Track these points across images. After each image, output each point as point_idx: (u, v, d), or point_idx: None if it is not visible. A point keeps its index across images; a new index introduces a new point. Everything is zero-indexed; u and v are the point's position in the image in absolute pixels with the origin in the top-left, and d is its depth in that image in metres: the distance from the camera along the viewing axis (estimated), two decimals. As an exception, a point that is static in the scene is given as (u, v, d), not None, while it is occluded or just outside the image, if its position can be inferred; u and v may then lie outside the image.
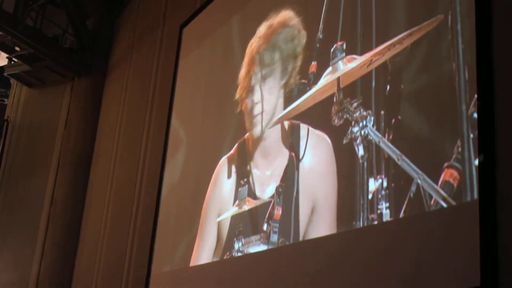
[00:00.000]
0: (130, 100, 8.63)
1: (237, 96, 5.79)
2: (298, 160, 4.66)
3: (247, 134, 5.47)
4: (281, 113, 5.05)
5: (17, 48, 9.29)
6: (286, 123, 4.96)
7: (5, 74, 9.70)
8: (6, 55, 9.53)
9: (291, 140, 4.83)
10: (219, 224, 5.48)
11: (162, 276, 6.42)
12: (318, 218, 4.40)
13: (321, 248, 4.24)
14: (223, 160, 5.75)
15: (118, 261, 7.61)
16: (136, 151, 7.96)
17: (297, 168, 4.63)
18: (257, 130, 5.35)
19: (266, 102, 5.31)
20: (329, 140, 4.47)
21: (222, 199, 5.59)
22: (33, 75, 9.69)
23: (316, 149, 4.58)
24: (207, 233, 5.69)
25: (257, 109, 5.41)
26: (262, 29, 5.66)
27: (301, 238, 4.45)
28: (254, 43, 5.75)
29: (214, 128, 6.08)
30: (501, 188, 3.19)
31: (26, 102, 10.04)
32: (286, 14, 5.36)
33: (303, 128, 4.74)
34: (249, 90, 5.61)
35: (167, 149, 6.99)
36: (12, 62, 9.63)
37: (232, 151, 5.63)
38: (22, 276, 8.77)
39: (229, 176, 5.55)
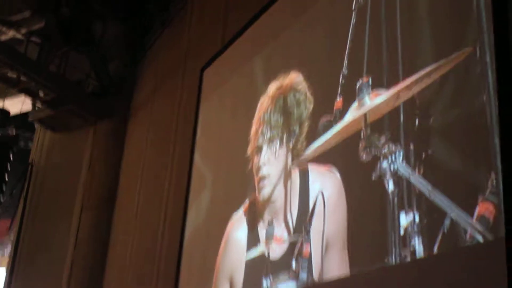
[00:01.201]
0: (152, 142, 8.57)
1: (248, 152, 5.72)
2: (323, 197, 4.52)
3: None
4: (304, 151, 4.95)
5: (40, 94, 9.27)
6: (308, 163, 4.85)
7: (29, 119, 9.69)
8: (31, 100, 9.51)
9: (315, 178, 4.70)
10: (247, 265, 5.32)
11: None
12: (330, 256, 4.29)
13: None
14: (234, 218, 5.71)
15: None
16: (159, 193, 7.87)
17: (324, 205, 4.49)
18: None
19: (273, 165, 5.23)
20: (337, 174, 4.38)
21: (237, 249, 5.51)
22: (57, 120, 9.67)
23: (327, 183, 4.50)
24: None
25: (262, 171, 5.33)
26: (271, 88, 5.62)
27: (325, 276, 4.31)
28: (264, 102, 5.69)
29: (238, 168, 5.96)
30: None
31: (50, 146, 10.01)
32: (295, 76, 5.31)
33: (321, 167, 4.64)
34: (258, 149, 5.54)
35: (189, 191, 6.88)
36: (37, 107, 9.61)
37: (256, 191, 5.52)
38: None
39: (250, 220, 5.47)
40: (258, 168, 5.48)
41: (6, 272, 9.54)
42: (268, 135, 5.41)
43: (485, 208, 3.29)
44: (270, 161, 5.31)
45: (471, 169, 3.44)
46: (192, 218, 6.68)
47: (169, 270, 7.02)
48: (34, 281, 9.04)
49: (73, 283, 8.65)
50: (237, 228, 5.65)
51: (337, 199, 4.38)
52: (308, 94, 5.04)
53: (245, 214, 5.58)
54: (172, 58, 8.72)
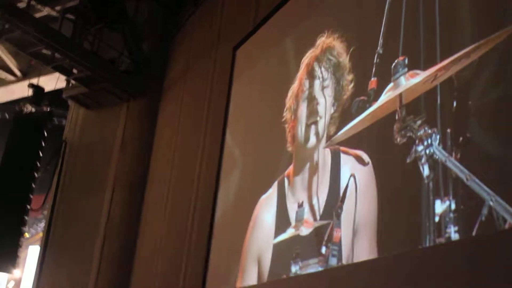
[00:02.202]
0: (184, 121, 8.44)
1: (286, 116, 5.51)
2: (358, 180, 4.32)
3: (296, 158, 5.17)
4: (336, 132, 4.73)
5: (74, 71, 9.19)
6: (340, 147, 4.64)
7: (63, 96, 9.63)
8: (65, 78, 9.44)
9: (347, 161, 4.50)
10: (274, 247, 5.16)
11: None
12: (360, 241, 4.11)
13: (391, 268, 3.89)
14: (263, 199, 5.52)
15: (173, 282, 7.38)
16: (191, 171, 7.75)
17: (356, 189, 4.29)
18: (309, 150, 5.04)
19: (319, 119, 5.00)
20: (368, 158, 4.19)
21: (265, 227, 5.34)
22: (90, 97, 9.59)
23: (358, 167, 4.30)
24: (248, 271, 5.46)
25: (309, 129, 5.11)
26: (313, 49, 5.37)
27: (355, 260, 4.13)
28: (304, 62, 5.46)
29: (268, 149, 5.79)
30: None
31: (83, 123, 9.94)
32: (332, 36, 5.07)
33: (352, 150, 4.44)
34: (300, 108, 5.32)
35: (221, 169, 6.74)
36: (70, 85, 9.54)
37: (285, 172, 5.33)
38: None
39: (279, 201, 5.27)
40: (292, 143, 5.30)
41: (40, 247, 9.53)
42: (312, 91, 5.19)
43: (526, 195, 3.08)
44: (304, 138, 5.11)
45: (511, 154, 3.22)
46: (222, 198, 6.54)
47: (199, 248, 6.91)
48: (66, 257, 9.02)
49: (105, 260, 8.61)
50: (266, 210, 5.48)
51: (369, 184, 4.17)
52: (353, 46, 4.80)
53: (274, 196, 5.40)
54: (204, 37, 8.56)
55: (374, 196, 4.09)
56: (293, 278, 4.75)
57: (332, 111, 4.83)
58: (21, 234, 8.91)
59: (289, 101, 5.57)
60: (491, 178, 3.29)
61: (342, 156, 4.57)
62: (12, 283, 17.15)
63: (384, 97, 4.22)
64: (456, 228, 3.42)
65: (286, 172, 5.32)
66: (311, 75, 5.29)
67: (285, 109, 5.60)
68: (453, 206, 3.47)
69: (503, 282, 3.05)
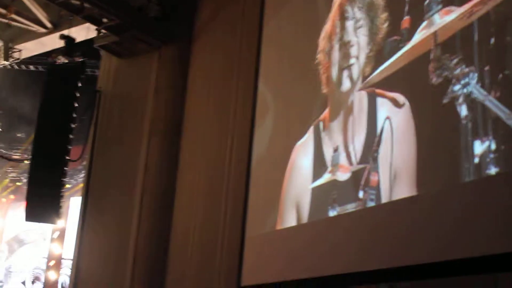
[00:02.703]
0: (217, 66, 8.34)
1: (320, 58, 5.38)
2: (395, 123, 4.21)
3: (332, 101, 5.06)
4: (371, 73, 4.59)
5: (104, 20, 9.09)
6: (375, 89, 4.51)
7: (94, 45, 9.55)
8: (95, 27, 9.36)
9: (383, 104, 4.38)
10: (312, 191, 5.10)
11: (256, 238, 6.19)
12: (398, 184, 4.04)
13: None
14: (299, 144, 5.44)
15: (213, 226, 7.43)
16: (225, 117, 7.69)
17: (392, 132, 4.19)
18: (344, 93, 4.92)
19: (353, 61, 4.86)
20: (405, 100, 4.07)
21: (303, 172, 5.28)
22: (121, 45, 9.47)
23: (394, 110, 4.18)
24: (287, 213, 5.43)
25: (343, 71, 4.98)
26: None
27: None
28: (336, 2, 5.28)
29: (302, 93, 5.68)
30: None
31: (116, 72, 9.86)
32: None
33: (388, 92, 4.31)
34: (334, 50, 5.17)
35: (255, 115, 6.67)
36: (101, 34, 9.46)
37: (320, 117, 5.23)
38: (122, 241, 8.71)
39: (316, 146, 5.19)
40: (327, 86, 5.19)
41: (82, 198, 9.63)
42: (345, 31, 5.05)
43: None
44: (339, 81, 4.99)
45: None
46: (258, 144, 6.49)
47: (238, 194, 6.92)
48: (107, 206, 9.09)
49: (145, 208, 8.64)
50: (302, 155, 5.40)
51: (405, 126, 4.07)
52: (378, 5, 4.64)
53: (310, 141, 5.31)
54: (233, -21, 8.38)
55: (411, 138, 3.99)
56: (333, 218, 4.72)
57: (368, 51, 4.69)
58: (62, 185, 8.99)
59: (321, 42, 5.43)
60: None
61: (378, 98, 4.45)
62: (57, 234, 17.53)
63: (418, 36, 4.07)
64: (498, 170, 3.32)
65: (321, 116, 5.22)
66: (343, 16, 5.12)
67: (318, 51, 5.46)
68: (493, 146, 3.36)
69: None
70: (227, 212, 7.23)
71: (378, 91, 4.46)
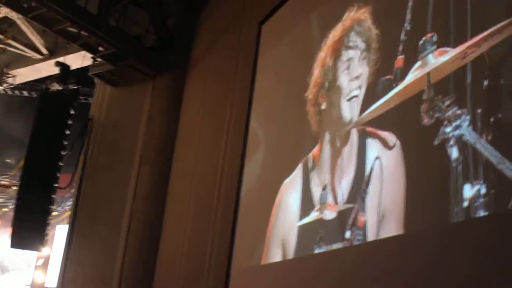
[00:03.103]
0: (210, 97, 8.31)
1: (310, 95, 5.32)
2: (385, 162, 4.12)
3: (322, 140, 4.98)
4: (363, 112, 4.52)
5: (100, 48, 9.08)
6: (366, 128, 4.43)
7: (89, 73, 9.53)
8: (91, 55, 9.33)
9: (373, 143, 4.30)
10: (299, 229, 4.99)
11: (242, 272, 6.07)
12: (386, 226, 3.93)
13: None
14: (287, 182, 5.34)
15: (199, 256, 7.32)
16: (217, 149, 7.63)
17: (382, 172, 4.10)
18: (331, 133, 4.84)
19: (340, 101, 4.79)
20: (396, 140, 3.98)
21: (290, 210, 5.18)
22: (116, 74, 9.49)
23: (385, 150, 4.08)
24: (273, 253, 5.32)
25: (332, 111, 4.90)
26: (339, 26, 5.13)
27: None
28: (329, 41, 5.23)
29: (293, 129, 5.60)
30: None
31: (109, 100, 9.85)
32: (364, 8, 4.82)
33: (379, 131, 4.23)
34: (325, 88, 5.10)
35: (246, 148, 6.60)
36: (96, 62, 9.44)
37: (310, 154, 5.14)
38: (107, 270, 8.59)
39: (304, 183, 5.09)
40: (317, 124, 5.11)
41: (68, 226, 9.52)
42: (336, 72, 4.96)
43: (561, 181, 2.87)
44: (330, 117, 4.91)
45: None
46: (247, 178, 6.41)
47: (225, 226, 6.82)
48: (94, 234, 9.00)
49: (132, 236, 8.56)
50: (290, 193, 5.31)
51: (395, 166, 3.98)
52: (378, 22, 4.57)
53: (298, 178, 5.22)
54: (230, 12, 8.38)
55: (400, 180, 3.89)
56: (318, 255, 4.60)
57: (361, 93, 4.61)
58: (49, 212, 8.92)
59: (314, 79, 5.37)
60: (525, 162, 3.08)
61: (368, 137, 4.37)
62: (41, 261, 17.33)
63: (411, 76, 4.00)
64: (487, 214, 3.23)
65: (311, 154, 5.14)
66: (337, 56, 5.05)
67: (309, 88, 5.40)
68: (483, 191, 3.27)
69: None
70: (214, 244, 7.13)
71: (369, 129, 4.38)
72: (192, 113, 8.69)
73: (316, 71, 5.34)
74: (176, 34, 9.19)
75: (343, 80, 4.84)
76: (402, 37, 4.19)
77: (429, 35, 3.93)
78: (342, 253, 4.35)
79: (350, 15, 4.99)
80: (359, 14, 4.85)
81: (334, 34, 5.18)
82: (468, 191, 3.34)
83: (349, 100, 4.69)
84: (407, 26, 4.18)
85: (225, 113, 7.65)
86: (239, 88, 7.48)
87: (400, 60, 4.16)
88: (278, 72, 6.33)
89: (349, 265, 4.26)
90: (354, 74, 4.67)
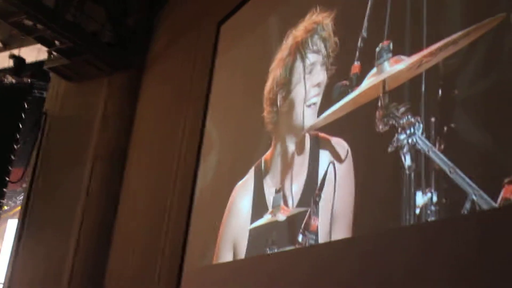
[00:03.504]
0: (166, 97, 8.20)
1: (270, 94, 5.26)
2: (337, 168, 4.10)
3: (276, 142, 4.94)
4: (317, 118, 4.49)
5: (56, 42, 8.89)
6: (319, 133, 4.41)
7: (44, 67, 9.32)
8: (46, 49, 9.14)
9: (326, 149, 4.28)
10: (250, 232, 4.95)
11: (194, 272, 6.01)
12: (337, 231, 3.93)
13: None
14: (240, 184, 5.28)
15: (151, 254, 7.22)
16: (172, 148, 7.53)
17: (335, 178, 4.08)
18: (286, 136, 4.81)
19: (296, 106, 4.76)
20: (349, 148, 3.96)
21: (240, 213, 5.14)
22: (72, 69, 9.29)
23: (337, 155, 4.07)
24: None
25: (291, 114, 4.86)
26: (300, 27, 5.08)
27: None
28: (290, 41, 5.18)
29: (247, 131, 5.55)
30: None
31: (64, 95, 9.64)
32: (326, 13, 4.80)
33: (332, 138, 4.22)
34: (286, 90, 5.05)
35: (201, 148, 6.53)
36: (52, 56, 9.24)
37: (263, 157, 5.10)
38: (57, 268, 8.42)
39: (256, 186, 5.05)
40: (273, 125, 5.06)
41: (18, 221, 9.31)
42: (294, 77, 4.91)
43: (510, 191, 2.88)
44: (287, 120, 4.87)
45: (498, 148, 3.02)
46: (201, 178, 6.34)
47: (178, 226, 6.74)
48: (45, 230, 8.80)
49: (84, 233, 8.42)
50: (242, 197, 5.25)
51: (347, 173, 3.97)
52: (336, 29, 4.54)
53: (251, 181, 5.17)
54: (189, 12, 8.28)
55: (352, 186, 3.89)
56: (269, 255, 4.57)
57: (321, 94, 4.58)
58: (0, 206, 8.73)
59: (275, 79, 5.31)
60: (475, 171, 3.09)
61: (322, 142, 4.35)
62: (-11, 256, 16.96)
63: (367, 83, 4.00)
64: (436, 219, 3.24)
65: (264, 157, 5.10)
66: (300, 58, 5.00)
67: (268, 86, 5.34)
68: (434, 199, 3.28)
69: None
70: (166, 243, 7.04)
71: (322, 135, 4.36)
72: (148, 112, 8.57)
73: (277, 71, 5.26)
74: (134, 32, 9.06)
75: (305, 84, 4.80)
76: (359, 44, 4.19)
77: (385, 42, 3.93)
78: (292, 254, 4.33)
79: (313, 18, 4.95)
80: (322, 18, 4.82)
81: (296, 34, 5.11)
82: (420, 198, 3.35)
83: (308, 106, 4.65)
84: (364, 33, 4.18)
85: (181, 113, 7.56)
86: (196, 89, 7.40)
87: (356, 66, 4.15)
88: (235, 74, 6.27)
89: (300, 266, 4.24)
90: (315, 81, 4.62)
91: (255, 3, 6.38)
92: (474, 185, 3.06)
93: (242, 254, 4.99)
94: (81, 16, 8.77)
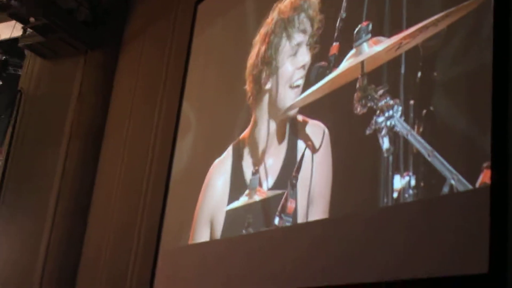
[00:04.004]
0: (143, 75, 8.05)
1: (255, 70, 5.09)
2: (314, 150, 4.02)
3: (255, 121, 4.83)
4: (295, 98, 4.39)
5: (31, 19, 8.67)
6: (297, 115, 4.31)
7: (19, 44, 9.09)
8: (21, 26, 8.92)
9: (304, 130, 4.19)
10: (227, 214, 4.85)
11: (170, 252, 5.90)
12: (314, 214, 3.87)
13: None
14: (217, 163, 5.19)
15: (127, 235, 7.10)
16: (148, 126, 7.40)
17: (312, 160, 4.00)
18: (267, 116, 4.70)
19: (280, 86, 4.63)
20: (326, 130, 3.89)
21: (218, 192, 5.04)
22: (47, 47, 9.06)
23: (315, 138, 3.98)
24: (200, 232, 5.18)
25: (274, 94, 4.72)
26: (284, 5, 4.86)
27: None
28: (275, 14, 4.96)
29: (224, 111, 5.42)
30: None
31: (39, 73, 9.41)
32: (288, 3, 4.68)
33: (310, 120, 4.13)
34: (271, 68, 4.85)
35: (178, 129, 6.40)
36: (26, 33, 9.02)
37: (241, 136, 4.98)
38: (31, 248, 8.27)
39: (234, 166, 4.93)
40: (255, 102, 4.91)
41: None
42: (274, 58, 4.75)
43: (489, 175, 2.82)
44: (270, 99, 4.73)
45: (476, 132, 2.96)
46: (178, 159, 6.23)
47: (154, 206, 6.61)
48: (20, 210, 8.62)
49: (59, 212, 8.25)
50: (219, 175, 5.13)
51: (325, 155, 3.89)
52: (318, 8, 4.39)
53: (228, 160, 5.06)
54: (166, -10, 8.11)
55: (330, 168, 3.81)
56: (246, 236, 4.48)
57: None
58: (-28, 185, 8.55)
59: (251, 64, 5.16)
60: (454, 155, 3.03)
61: (299, 124, 4.25)
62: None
63: (345, 64, 3.90)
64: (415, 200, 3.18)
65: (243, 135, 4.98)
66: (286, 36, 4.80)
67: (248, 71, 5.19)
68: (413, 183, 3.22)
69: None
70: (142, 224, 6.93)
71: (301, 117, 4.27)
72: (124, 90, 8.41)
73: (262, 47, 5.01)
74: (110, 9, 8.86)
75: (290, 65, 4.61)
76: (338, 24, 4.09)
77: (364, 23, 3.83)
78: (268, 235, 4.25)
79: (286, 3, 4.80)
80: (288, 8, 4.68)
81: (282, 9, 4.83)
82: (398, 182, 3.29)
83: (292, 88, 4.50)
84: (342, 14, 4.08)
85: (157, 91, 7.42)
86: (173, 67, 7.25)
87: (335, 47, 4.05)
88: (211, 55, 6.14)
89: (275, 246, 4.17)
90: (300, 63, 4.44)
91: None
92: (452, 169, 3.00)
93: (218, 235, 4.90)
94: (57, -7, 8.56)
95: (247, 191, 4.60)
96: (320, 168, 3.91)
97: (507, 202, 2.71)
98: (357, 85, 3.73)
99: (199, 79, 6.27)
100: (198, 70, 6.35)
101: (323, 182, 3.84)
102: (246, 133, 4.92)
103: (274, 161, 4.42)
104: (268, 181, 4.40)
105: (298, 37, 4.55)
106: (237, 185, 4.77)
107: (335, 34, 4.07)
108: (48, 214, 8.31)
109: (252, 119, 4.91)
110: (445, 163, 3.04)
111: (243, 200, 4.61)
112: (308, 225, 3.92)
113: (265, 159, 4.55)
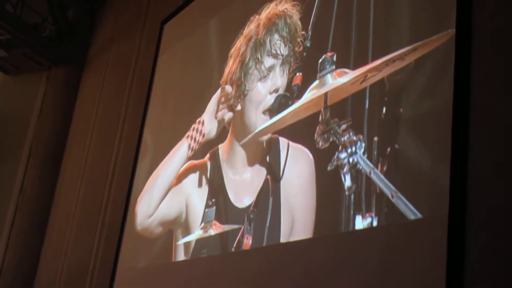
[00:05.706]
0: (106, 94, 7.77)
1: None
2: (276, 182, 3.75)
3: (219, 147, 4.52)
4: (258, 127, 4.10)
5: (-6, 34, 8.35)
6: (263, 138, 4.02)
7: (-19, 59, 8.79)
8: (-17, 40, 8.59)
9: (268, 158, 3.92)
10: (184, 246, 4.52)
11: (127, 272, 5.62)
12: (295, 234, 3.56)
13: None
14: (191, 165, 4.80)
15: (84, 255, 6.81)
16: (109, 146, 7.12)
17: (272, 194, 3.73)
18: (229, 144, 4.39)
19: (257, 114, 4.26)
20: (310, 155, 3.59)
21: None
22: (10, 62, 8.78)
23: (296, 163, 3.70)
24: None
25: (243, 118, 4.38)
26: (255, 22, 4.53)
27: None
28: (245, 35, 4.61)
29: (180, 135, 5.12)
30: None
31: (1, 88, 9.14)
32: (264, 18, 4.38)
33: (282, 142, 3.84)
34: (242, 91, 4.49)
35: (139, 150, 6.11)
36: (-11, 48, 8.70)
37: (202, 160, 4.67)
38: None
39: (200, 185, 4.59)
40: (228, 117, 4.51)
41: None
42: (238, 92, 4.39)
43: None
44: (246, 107, 4.38)
45: (442, 172, 2.72)
46: (136, 183, 5.94)
47: (112, 228, 6.35)
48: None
49: (16, 230, 7.95)
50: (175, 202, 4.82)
51: (285, 189, 3.63)
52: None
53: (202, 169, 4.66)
54: (132, 8, 7.85)
55: (291, 203, 3.55)
56: (202, 259, 4.19)
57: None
58: None
59: (226, 76, 4.76)
60: (419, 197, 2.80)
61: (259, 156, 4.00)
62: None
63: (308, 95, 3.66)
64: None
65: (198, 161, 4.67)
66: (256, 58, 4.43)
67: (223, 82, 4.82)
68: (375, 224, 2.97)
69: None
70: (100, 244, 6.65)
71: (262, 147, 4.01)
72: (87, 108, 8.12)
73: (233, 66, 4.60)
74: (76, 25, 8.58)
75: (261, 89, 4.29)
76: (302, 53, 3.85)
77: (329, 54, 3.60)
78: (224, 258, 3.98)
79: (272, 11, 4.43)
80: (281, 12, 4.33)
81: (256, 27, 4.55)
82: (360, 223, 3.04)
83: (263, 113, 4.16)
84: (307, 43, 3.84)
85: (120, 111, 7.15)
86: (137, 87, 6.99)
87: (298, 77, 3.81)
88: (172, 78, 5.87)
89: (229, 268, 3.90)
90: (273, 87, 4.14)
91: (198, 4, 5.98)
92: (418, 213, 2.77)
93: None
94: (22, 7, 8.24)
95: (202, 224, 4.30)
96: (279, 203, 3.65)
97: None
98: (320, 118, 3.49)
99: (159, 101, 6.01)
100: (159, 92, 6.09)
101: (282, 218, 3.58)
102: (200, 162, 4.61)
103: (231, 194, 4.13)
104: (224, 215, 4.11)
105: (270, 61, 4.20)
106: (192, 217, 4.45)
107: (299, 64, 3.84)
108: (5, 230, 8.02)
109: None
110: (410, 205, 2.80)
111: (197, 234, 4.29)
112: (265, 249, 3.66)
113: (221, 190, 4.25)
